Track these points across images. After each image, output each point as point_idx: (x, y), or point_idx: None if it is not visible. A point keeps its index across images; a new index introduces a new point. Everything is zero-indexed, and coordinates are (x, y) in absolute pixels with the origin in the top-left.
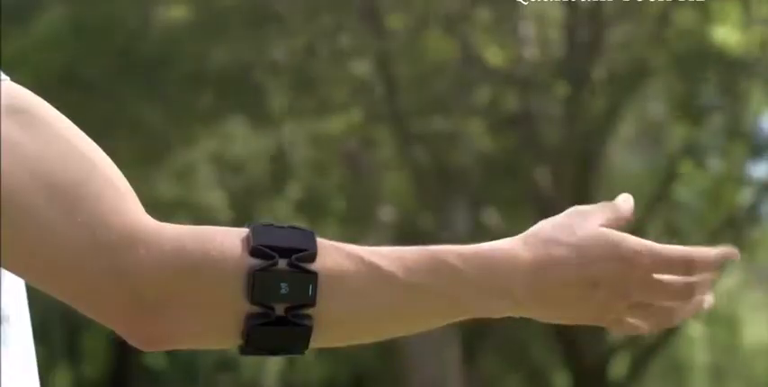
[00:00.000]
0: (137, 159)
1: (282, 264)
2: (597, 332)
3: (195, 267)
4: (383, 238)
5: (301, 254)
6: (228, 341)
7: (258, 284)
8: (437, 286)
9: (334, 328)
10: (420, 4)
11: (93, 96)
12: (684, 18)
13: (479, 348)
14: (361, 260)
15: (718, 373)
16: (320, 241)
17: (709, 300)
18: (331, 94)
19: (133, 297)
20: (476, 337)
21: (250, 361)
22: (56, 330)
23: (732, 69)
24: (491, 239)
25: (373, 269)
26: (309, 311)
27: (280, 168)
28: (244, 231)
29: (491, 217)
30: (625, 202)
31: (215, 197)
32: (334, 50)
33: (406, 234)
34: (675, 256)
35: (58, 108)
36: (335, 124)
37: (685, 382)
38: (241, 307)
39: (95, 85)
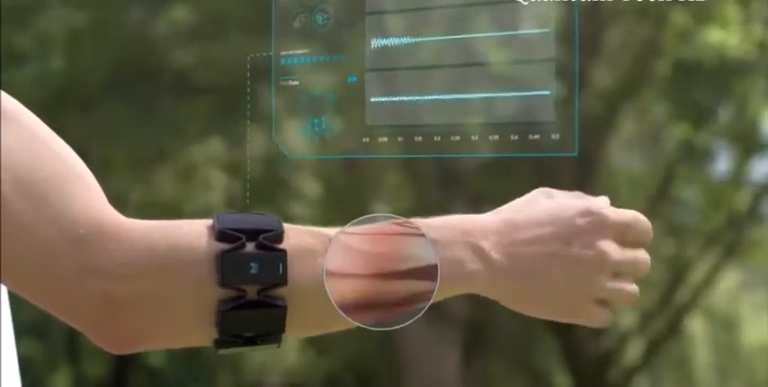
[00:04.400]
0: (135, 161)
1: (250, 245)
2: (597, 332)
3: (163, 260)
4: None
5: (268, 234)
6: (202, 335)
7: (227, 266)
8: None
9: (307, 309)
10: (419, 3)
11: (92, 99)
12: (682, 19)
13: (480, 349)
14: (328, 237)
15: (718, 373)
16: (285, 225)
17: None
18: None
19: (102, 294)
20: (476, 337)
21: (251, 361)
22: (56, 330)
23: (731, 70)
24: None
25: None
26: (282, 292)
27: (279, 169)
28: (209, 221)
29: None
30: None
31: (214, 199)
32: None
33: None
34: (639, 216)
35: (57, 111)
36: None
37: (686, 382)
38: (212, 294)
39: (94, 89)
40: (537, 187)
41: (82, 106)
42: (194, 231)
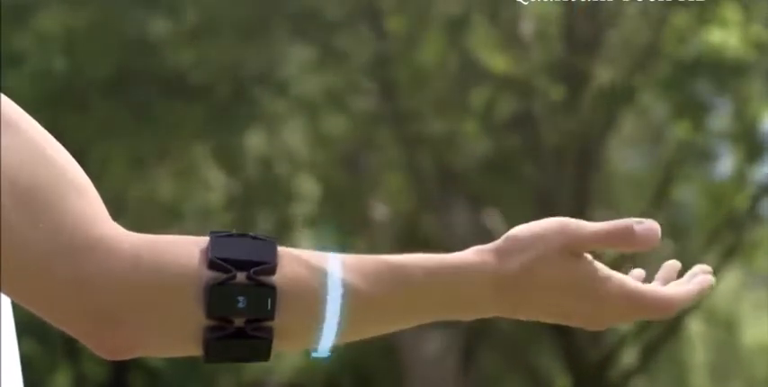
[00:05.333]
0: (136, 160)
1: (241, 277)
2: (597, 332)
3: (151, 279)
4: (384, 241)
5: (260, 267)
6: (192, 350)
7: (215, 299)
8: (396, 298)
9: (294, 338)
10: (420, 5)
11: (91, 99)
12: (682, 20)
13: (479, 349)
14: (321, 272)
15: (718, 373)
16: (281, 251)
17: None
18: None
19: (92, 306)
20: (476, 337)
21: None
22: (56, 330)
23: (731, 71)
24: (492, 241)
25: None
26: (269, 324)
27: (279, 171)
28: (203, 241)
29: (491, 218)
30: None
31: (213, 199)
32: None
33: (406, 237)
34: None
35: (56, 111)
36: (335, 126)
37: (685, 382)
38: (198, 319)
39: (92, 92)
40: (537, 187)
41: (81, 106)
42: (186, 254)
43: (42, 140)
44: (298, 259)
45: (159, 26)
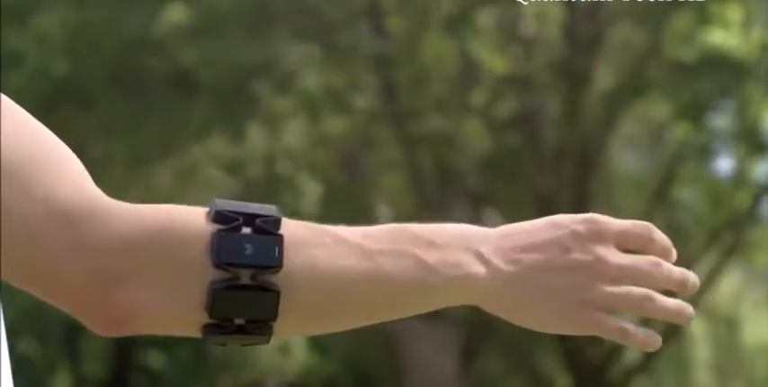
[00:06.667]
0: (135, 160)
1: (246, 228)
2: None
3: (157, 236)
4: None
5: (266, 218)
6: (193, 317)
7: (221, 245)
8: (400, 251)
9: (299, 300)
10: (420, 4)
11: (91, 101)
12: (683, 21)
13: (480, 349)
14: (324, 230)
15: (719, 372)
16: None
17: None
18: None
19: (93, 270)
20: (476, 338)
21: (251, 361)
22: (56, 330)
23: (732, 72)
24: None
25: (337, 238)
26: (275, 278)
27: (279, 170)
28: (206, 208)
29: (491, 217)
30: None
31: (213, 198)
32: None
33: None
34: (638, 222)
35: (55, 112)
36: (335, 125)
37: (687, 380)
38: (205, 274)
39: (93, 90)
40: (537, 187)
41: (81, 104)
42: (190, 212)
43: (23, 118)
44: (299, 222)
45: (160, 23)
